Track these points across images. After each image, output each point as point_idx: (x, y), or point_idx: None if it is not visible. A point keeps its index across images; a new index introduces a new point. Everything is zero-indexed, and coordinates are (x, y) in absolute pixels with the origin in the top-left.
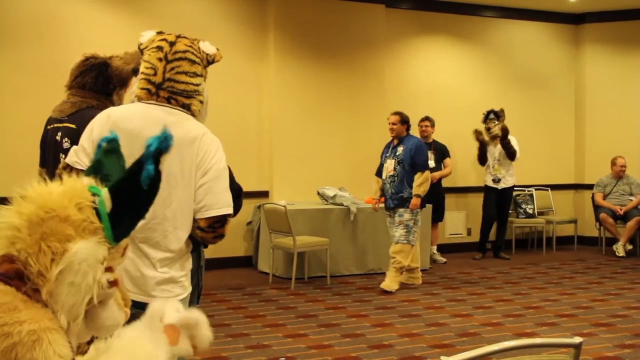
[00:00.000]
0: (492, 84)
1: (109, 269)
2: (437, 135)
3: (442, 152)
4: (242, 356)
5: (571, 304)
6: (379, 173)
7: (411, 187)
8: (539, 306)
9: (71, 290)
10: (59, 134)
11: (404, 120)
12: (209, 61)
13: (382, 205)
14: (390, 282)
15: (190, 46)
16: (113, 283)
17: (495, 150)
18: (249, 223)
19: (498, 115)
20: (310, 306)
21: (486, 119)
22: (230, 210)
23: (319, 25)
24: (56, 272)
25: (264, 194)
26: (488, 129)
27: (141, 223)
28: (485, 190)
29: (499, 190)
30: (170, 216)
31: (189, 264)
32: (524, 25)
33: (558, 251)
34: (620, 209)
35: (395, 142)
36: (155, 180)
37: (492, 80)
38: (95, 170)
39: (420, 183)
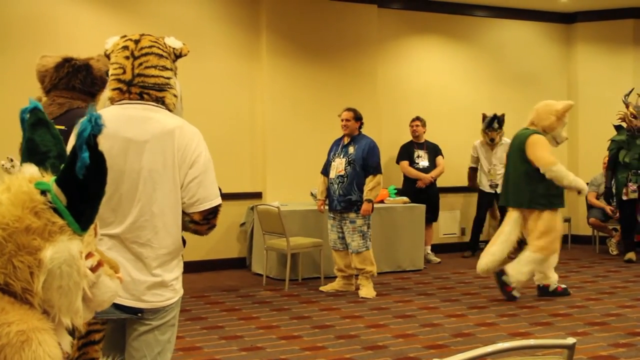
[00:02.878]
0: (484, 83)
1: (89, 255)
2: (430, 135)
3: (434, 151)
4: (235, 358)
5: (565, 303)
6: (325, 171)
7: (361, 190)
8: (533, 306)
9: (62, 293)
10: None
11: (358, 117)
12: (177, 55)
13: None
14: (367, 290)
15: (155, 41)
16: (97, 266)
17: (492, 157)
18: (242, 224)
19: (501, 123)
20: (304, 307)
21: (489, 126)
22: (220, 200)
23: (311, 26)
24: (40, 284)
25: (257, 195)
26: (492, 139)
27: (129, 222)
28: (480, 193)
29: (493, 194)
30: (158, 212)
31: (180, 267)
32: (516, 25)
33: None
34: (612, 209)
35: (346, 140)
36: (95, 164)
37: (485, 79)
38: (31, 151)
39: (372, 187)
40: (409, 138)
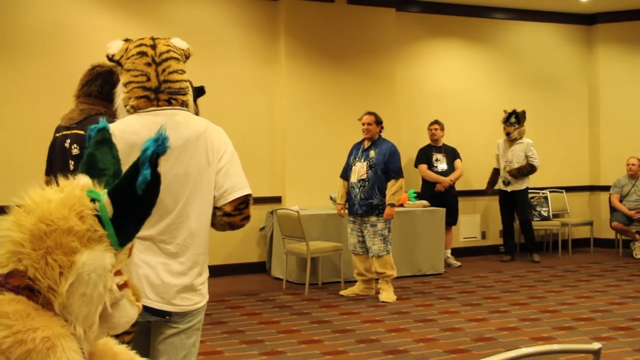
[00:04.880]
0: (504, 86)
1: (117, 273)
2: (449, 139)
3: (453, 155)
4: None
5: (588, 308)
6: (344, 175)
7: (382, 194)
8: (556, 310)
9: (84, 301)
10: (68, 140)
11: (379, 121)
12: (186, 56)
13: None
14: (388, 294)
15: (169, 45)
16: (123, 285)
17: (508, 153)
18: (262, 229)
19: (519, 118)
20: (324, 312)
21: (506, 121)
22: (250, 190)
23: (329, 30)
24: (66, 285)
25: (277, 200)
26: (508, 133)
27: (166, 224)
28: (499, 193)
29: (509, 192)
30: (193, 214)
31: (207, 271)
32: (535, 27)
33: (574, 254)
34: (638, 213)
35: (367, 144)
36: (153, 183)
37: (504, 82)
38: (89, 165)
39: (395, 191)
40: (428, 141)
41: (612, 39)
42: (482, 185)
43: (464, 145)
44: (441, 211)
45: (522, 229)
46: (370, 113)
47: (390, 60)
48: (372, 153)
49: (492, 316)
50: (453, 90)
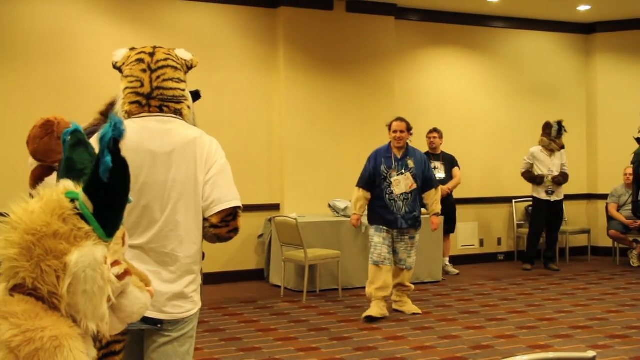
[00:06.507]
0: (502, 94)
1: (115, 263)
2: (448, 147)
3: (451, 162)
4: None
5: (585, 316)
6: (365, 185)
7: (420, 205)
8: (553, 318)
9: (87, 298)
10: None
11: (409, 128)
12: (188, 67)
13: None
14: (413, 306)
15: (169, 54)
16: (124, 274)
17: (550, 163)
18: (260, 236)
19: (563, 128)
20: (322, 319)
21: (559, 133)
22: (239, 203)
23: (328, 38)
24: (65, 287)
25: (275, 207)
26: (562, 147)
27: (154, 232)
28: (536, 202)
29: (552, 202)
30: (182, 221)
31: (199, 279)
32: (534, 36)
33: (571, 262)
34: (635, 222)
35: (399, 153)
36: (118, 169)
37: (503, 91)
38: (69, 169)
39: (438, 199)
40: (426, 149)
41: (610, 48)
42: (480, 193)
43: (461, 153)
44: (439, 218)
45: (553, 238)
46: (401, 119)
47: (389, 69)
48: (410, 163)
49: (489, 324)
50: (452, 99)
